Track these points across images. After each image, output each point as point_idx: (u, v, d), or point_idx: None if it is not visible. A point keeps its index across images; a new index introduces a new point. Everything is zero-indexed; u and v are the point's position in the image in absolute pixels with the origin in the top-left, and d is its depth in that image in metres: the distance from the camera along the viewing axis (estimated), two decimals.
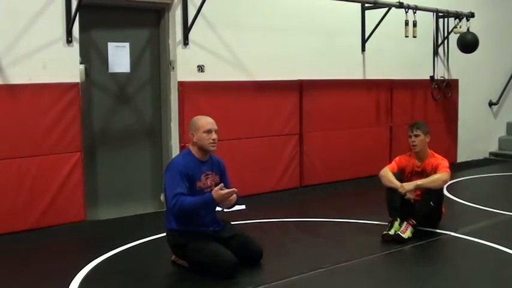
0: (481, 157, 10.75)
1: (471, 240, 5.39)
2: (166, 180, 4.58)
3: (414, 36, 8.36)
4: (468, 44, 9.20)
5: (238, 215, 5.86)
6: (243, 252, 4.57)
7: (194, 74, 6.96)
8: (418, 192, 5.60)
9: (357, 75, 8.69)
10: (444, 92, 9.48)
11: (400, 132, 8.45)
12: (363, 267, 4.75)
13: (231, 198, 4.55)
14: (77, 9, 5.95)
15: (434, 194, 5.56)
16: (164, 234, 4.85)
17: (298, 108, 7.90)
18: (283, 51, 7.74)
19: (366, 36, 8.64)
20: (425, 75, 9.24)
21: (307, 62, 8.00)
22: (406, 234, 5.30)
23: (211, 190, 4.58)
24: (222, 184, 4.55)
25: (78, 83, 6.13)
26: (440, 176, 5.54)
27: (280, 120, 7.71)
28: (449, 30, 9.44)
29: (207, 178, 4.68)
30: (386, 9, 8.31)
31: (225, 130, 6.41)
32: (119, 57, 6.62)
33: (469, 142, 10.30)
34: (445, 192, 6.58)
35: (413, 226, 5.39)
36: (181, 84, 6.84)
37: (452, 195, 7.21)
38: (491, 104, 10.90)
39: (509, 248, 5.03)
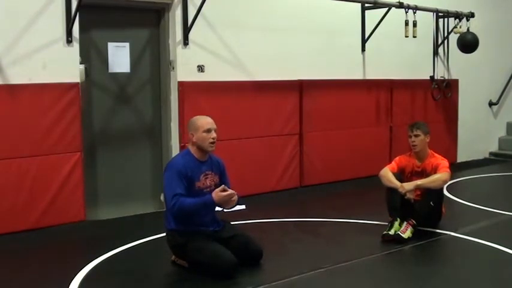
0: (481, 157, 10.75)
1: (471, 240, 5.39)
2: (165, 180, 4.57)
3: (414, 36, 8.36)
4: (468, 44, 9.20)
5: (238, 215, 5.86)
6: (243, 252, 4.57)
7: (194, 74, 6.96)
8: (418, 192, 5.60)
9: (357, 75, 8.69)
10: (444, 92, 9.48)
11: (400, 132, 8.45)
12: (363, 267, 4.75)
13: (232, 199, 4.55)
14: (77, 9, 5.95)
15: (434, 194, 5.56)
16: (164, 234, 4.84)
17: (298, 108, 7.90)
18: (283, 51, 7.74)
19: (366, 36, 8.64)
20: (425, 75, 9.24)
21: (307, 62, 8.00)
22: (406, 234, 5.30)
23: (211, 190, 4.59)
24: (223, 186, 4.55)
25: (78, 83, 6.13)
26: (440, 176, 5.54)
27: (280, 120, 7.71)
28: (449, 30, 9.44)
29: (207, 178, 4.68)
30: (386, 9, 8.31)
31: (225, 130, 6.43)
32: (119, 57, 6.62)
33: (469, 142, 10.30)
34: (445, 192, 6.58)
35: (413, 226, 5.39)
36: (181, 84, 6.84)
37: (452, 195, 7.21)
38: (491, 104, 10.90)
39: (509, 248, 5.03)
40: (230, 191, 4.52)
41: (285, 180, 7.78)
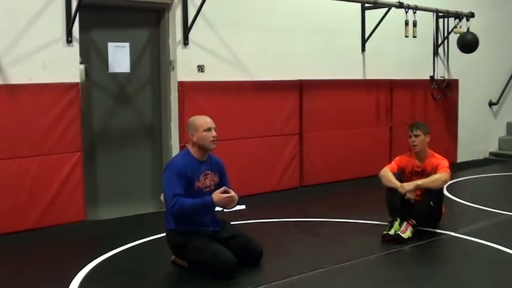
0: (481, 157, 10.75)
1: (471, 240, 5.39)
2: (165, 180, 4.57)
3: (414, 36, 8.36)
4: (468, 44, 9.20)
5: (238, 215, 5.86)
6: (243, 252, 4.57)
7: (194, 74, 6.96)
8: (418, 192, 5.60)
9: (357, 75, 8.69)
10: (444, 92, 9.48)
11: (400, 132, 8.45)
12: (363, 267, 4.75)
13: (233, 200, 4.55)
14: (77, 9, 5.95)
15: (434, 194, 5.56)
16: (164, 234, 4.84)
17: (298, 108, 7.90)
18: (283, 51, 7.75)
19: (366, 36, 8.64)
20: (425, 75, 9.24)
21: (307, 62, 8.00)
22: (406, 234, 5.30)
23: (210, 190, 4.60)
24: (225, 187, 4.55)
25: (78, 83, 6.13)
26: (440, 176, 5.54)
27: (280, 120, 7.71)
28: (449, 30, 9.44)
29: (206, 178, 4.68)
30: (386, 9, 8.31)
31: (225, 130, 6.43)
32: (119, 57, 6.62)
33: (469, 142, 10.30)
34: (445, 192, 6.58)
35: (413, 226, 5.38)
36: (181, 84, 6.84)
37: (452, 195, 7.21)
38: (491, 104, 10.90)
39: (509, 248, 5.03)
40: (231, 193, 4.53)
41: (285, 180, 7.78)
